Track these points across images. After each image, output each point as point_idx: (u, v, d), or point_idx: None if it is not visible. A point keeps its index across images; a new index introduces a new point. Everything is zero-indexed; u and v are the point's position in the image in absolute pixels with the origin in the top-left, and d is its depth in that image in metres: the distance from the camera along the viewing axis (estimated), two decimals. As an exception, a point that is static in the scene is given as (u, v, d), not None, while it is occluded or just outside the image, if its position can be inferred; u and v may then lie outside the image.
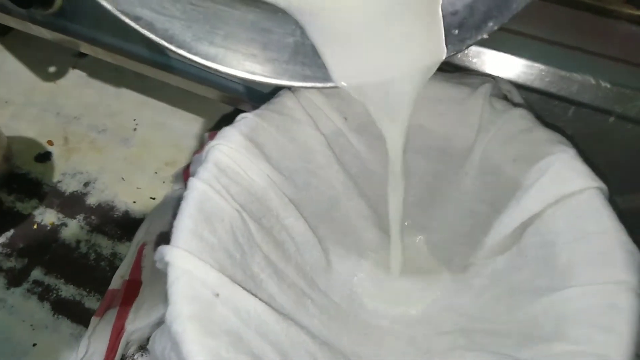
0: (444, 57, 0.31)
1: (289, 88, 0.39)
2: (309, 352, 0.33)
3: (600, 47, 0.45)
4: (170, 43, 0.33)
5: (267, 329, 0.32)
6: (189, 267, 0.30)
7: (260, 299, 0.33)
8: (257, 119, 0.37)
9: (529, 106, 0.42)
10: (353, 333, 0.38)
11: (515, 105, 0.38)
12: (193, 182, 0.34)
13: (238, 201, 0.35)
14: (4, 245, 0.59)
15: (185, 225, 0.32)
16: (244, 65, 0.33)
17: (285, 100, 0.38)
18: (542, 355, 0.30)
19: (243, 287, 0.32)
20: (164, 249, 0.31)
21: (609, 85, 0.45)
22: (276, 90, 0.42)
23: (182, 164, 0.63)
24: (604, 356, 0.28)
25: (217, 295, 0.31)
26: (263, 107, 0.38)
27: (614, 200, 0.34)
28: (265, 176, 0.37)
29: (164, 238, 0.52)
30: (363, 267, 0.43)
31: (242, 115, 0.37)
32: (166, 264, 0.31)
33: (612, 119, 0.45)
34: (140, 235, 0.57)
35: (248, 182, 0.36)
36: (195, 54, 0.33)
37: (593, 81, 0.46)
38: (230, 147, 0.35)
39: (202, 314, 0.30)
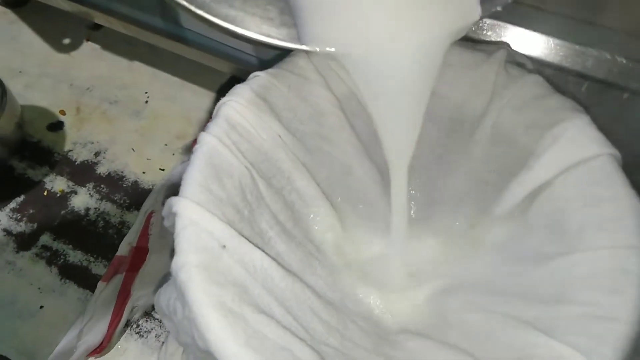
0: (478, 18, 0.30)
1: (306, 52, 0.39)
2: (312, 309, 0.33)
3: (617, 22, 0.45)
4: (191, 4, 0.33)
5: (273, 284, 0.32)
6: (197, 217, 0.30)
7: (266, 254, 0.33)
8: (269, 77, 0.36)
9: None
10: (359, 297, 0.38)
11: (529, 71, 0.37)
12: (203, 136, 0.34)
13: (248, 158, 0.35)
14: (14, 210, 0.59)
15: (194, 177, 0.32)
16: (260, 28, 0.33)
17: (297, 60, 0.38)
18: (548, 317, 0.30)
19: (251, 241, 0.32)
20: (172, 199, 0.31)
21: (624, 61, 0.45)
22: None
23: (192, 136, 0.64)
24: (611, 319, 0.28)
25: (224, 246, 0.31)
26: (276, 66, 0.38)
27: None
28: (276, 136, 0.37)
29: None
30: (374, 233, 0.42)
31: (254, 73, 0.37)
32: (174, 215, 0.31)
33: (626, 94, 0.45)
34: (148, 204, 0.57)
35: (258, 141, 0.36)
36: (214, 15, 0.33)
37: (609, 56, 0.45)
38: (241, 104, 0.35)
39: (209, 264, 0.30)
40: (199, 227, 0.30)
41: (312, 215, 0.39)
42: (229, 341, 0.27)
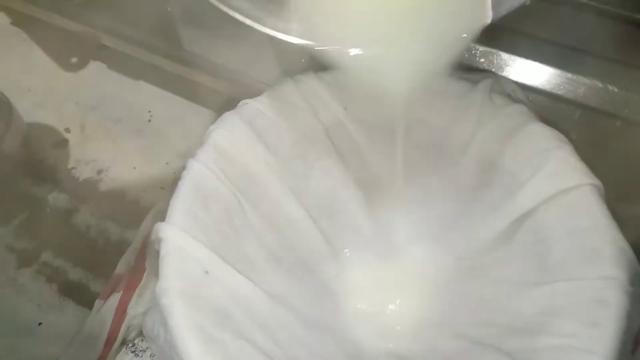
0: (489, 21, 0.28)
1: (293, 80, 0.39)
2: (295, 335, 0.33)
3: (608, 51, 0.45)
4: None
5: (255, 309, 0.33)
6: (181, 243, 0.31)
7: (250, 280, 0.33)
8: (258, 105, 0.37)
9: (533, 106, 0.42)
10: (345, 318, 0.38)
11: (516, 101, 0.38)
12: (191, 162, 0.34)
13: (235, 184, 0.36)
14: (17, 226, 0.60)
15: (180, 203, 0.33)
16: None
17: (285, 88, 0.38)
18: (526, 348, 0.30)
19: (234, 267, 0.33)
20: (158, 225, 0.32)
21: (616, 89, 0.45)
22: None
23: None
24: (588, 351, 0.28)
25: (207, 272, 0.31)
26: (264, 94, 0.38)
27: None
28: (263, 162, 0.38)
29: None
30: (361, 258, 0.43)
31: (243, 101, 0.37)
32: (159, 240, 0.32)
33: (618, 122, 0.45)
34: (147, 223, 0.58)
35: (246, 167, 0.37)
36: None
37: (600, 84, 0.45)
38: (229, 131, 0.36)
39: (191, 290, 0.30)
40: (182, 253, 0.31)
41: (300, 240, 0.40)
42: (207, 367, 0.28)
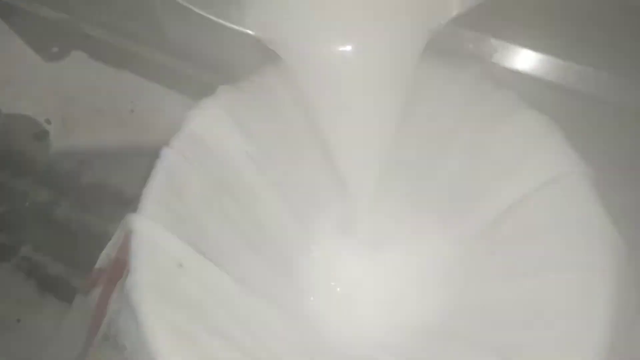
0: (454, 15, 0.29)
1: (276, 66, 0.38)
2: (275, 329, 0.32)
3: (600, 36, 0.44)
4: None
5: (232, 304, 0.31)
6: (153, 235, 0.30)
7: (228, 273, 0.32)
8: (238, 91, 0.36)
9: (522, 93, 0.40)
10: (327, 313, 0.37)
11: (504, 87, 0.37)
12: (165, 151, 0.33)
13: (213, 175, 0.35)
14: (-4, 220, 0.59)
15: (152, 194, 0.31)
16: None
17: (268, 75, 0.37)
18: (515, 342, 0.29)
19: (211, 260, 0.32)
20: (129, 216, 0.31)
21: (607, 75, 0.44)
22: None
23: (177, 147, 0.63)
24: (579, 344, 0.27)
25: (181, 265, 0.30)
26: (245, 79, 0.37)
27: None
28: (243, 152, 0.36)
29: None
30: (345, 255, 0.42)
31: (222, 87, 0.36)
32: (131, 232, 0.30)
33: (610, 109, 0.44)
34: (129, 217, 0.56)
35: (224, 157, 0.36)
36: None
37: (592, 70, 0.44)
38: (207, 118, 0.34)
39: (163, 284, 0.29)
40: (155, 246, 0.30)
41: (280, 233, 0.38)
42: (179, 366, 0.27)
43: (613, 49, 0.44)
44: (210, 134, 0.35)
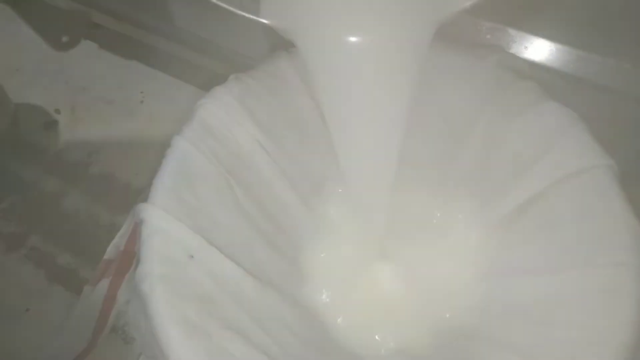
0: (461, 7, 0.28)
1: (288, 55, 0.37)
2: (288, 323, 0.31)
3: (621, 28, 0.42)
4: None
5: (244, 297, 0.30)
6: (164, 225, 0.29)
7: (239, 265, 0.31)
8: (250, 79, 0.35)
9: (542, 84, 0.39)
10: (340, 307, 0.36)
11: (525, 77, 0.35)
12: (176, 139, 0.32)
13: (224, 165, 0.34)
14: (5, 210, 0.59)
15: (163, 183, 0.31)
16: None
17: (279, 63, 0.36)
18: (534, 341, 0.28)
19: (222, 252, 0.31)
20: (139, 206, 0.30)
21: (629, 67, 0.43)
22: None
23: (187, 138, 0.62)
24: (600, 343, 0.26)
25: (192, 257, 0.29)
26: (257, 68, 0.36)
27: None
28: (254, 142, 0.35)
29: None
30: (357, 250, 0.41)
31: (233, 75, 0.35)
32: (141, 222, 0.30)
33: (631, 102, 0.42)
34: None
35: (236, 147, 0.35)
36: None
37: (613, 62, 0.43)
38: (218, 107, 0.34)
39: (174, 275, 0.28)
40: (165, 236, 0.29)
41: (293, 224, 0.37)
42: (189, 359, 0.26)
43: (636, 42, 0.43)
44: (221, 123, 0.34)
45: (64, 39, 0.72)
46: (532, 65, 0.42)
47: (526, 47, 0.44)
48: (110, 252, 0.54)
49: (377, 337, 0.35)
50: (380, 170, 0.33)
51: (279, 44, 0.45)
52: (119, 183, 0.60)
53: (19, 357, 0.51)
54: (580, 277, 0.28)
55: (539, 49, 0.44)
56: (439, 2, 0.28)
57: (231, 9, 0.29)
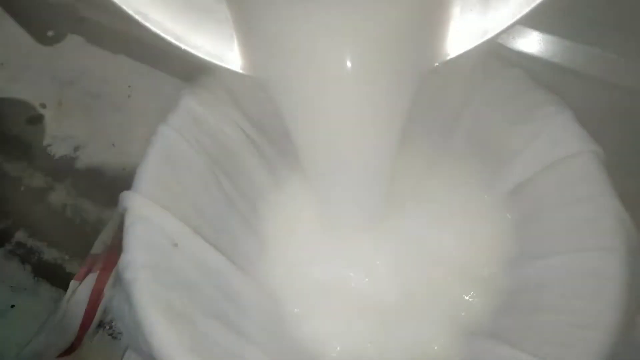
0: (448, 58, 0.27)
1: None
2: (270, 312, 0.31)
3: (609, 18, 0.42)
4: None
5: (227, 285, 0.30)
6: (147, 213, 0.29)
7: (223, 254, 0.31)
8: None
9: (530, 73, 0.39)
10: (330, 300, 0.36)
11: (512, 65, 0.35)
12: (161, 127, 0.32)
13: (210, 154, 0.33)
14: (-10, 205, 0.58)
15: (148, 171, 0.30)
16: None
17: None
18: (520, 326, 0.28)
19: (207, 240, 0.30)
20: (123, 194, 0.30)
21: (616, 57, 0.43)
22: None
23: (174, 132, 0.62)
24: (587, 326, 0.26)
25: (176, 245, 0.29)
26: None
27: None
28: (240, 131, 0.35)
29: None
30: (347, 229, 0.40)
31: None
32: (125, 210, 0.29)
33: (617, 92, 0.42)
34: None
35: (221, 136, 0.34)
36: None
37: (600, 52, 0.43)
38: (204, 95, 0.33)
39: (157, 263, 0.28)
40: (149, 224, 0.29)
41: (278, 212, 0.37)
42: (173, 347, 0.26)
43: (623, 32, 0.43)
44: (206, 111, 0.33)
45: (50, 32, 0.71)
46: (519, 54, 0.42)
47: (513, 36, 0.44)
48: (97, 247, 0.53)
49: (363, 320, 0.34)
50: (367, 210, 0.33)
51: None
52: (105, 178, 0.60)
53: (4, 353, 0.50)
54: (567, 261, 0.28)
55: (526, 39, 0.44)
56: (424, 54, 0.27)
57: (213, 61, 0.28)
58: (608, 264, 0.27)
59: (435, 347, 0.32)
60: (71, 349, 0.49)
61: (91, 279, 0.52)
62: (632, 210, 0.30)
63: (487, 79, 0.35)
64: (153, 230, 0.28)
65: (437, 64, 0.27)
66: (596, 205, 0.29)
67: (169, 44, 0.28)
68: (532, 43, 0.44)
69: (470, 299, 0.33)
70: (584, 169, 0.30)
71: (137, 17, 0.27)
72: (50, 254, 0.55)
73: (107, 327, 0.51)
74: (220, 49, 0.26)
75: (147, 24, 0.26)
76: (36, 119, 0.64)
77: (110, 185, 0.59)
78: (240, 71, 0.27)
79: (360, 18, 0.23)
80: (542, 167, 0.32)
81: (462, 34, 0.25)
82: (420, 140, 0.38)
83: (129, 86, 0.66)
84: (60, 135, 0.62)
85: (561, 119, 0.32)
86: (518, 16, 0.25)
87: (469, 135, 0.36)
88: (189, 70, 0.63)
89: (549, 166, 0.31)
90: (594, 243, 0.28)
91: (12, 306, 0.52)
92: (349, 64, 0.24)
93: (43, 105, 0.65)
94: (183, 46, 0.27)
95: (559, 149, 0.31)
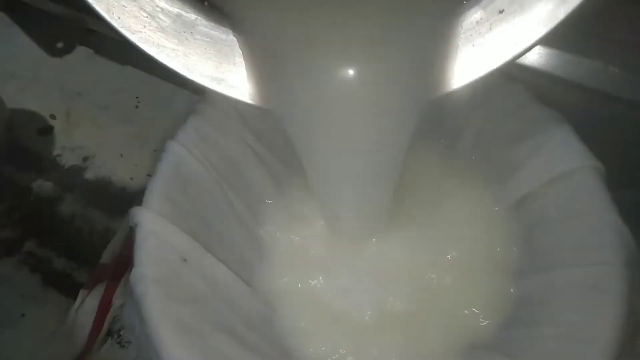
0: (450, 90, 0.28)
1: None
2: (274, 324, 0.32)
3: (610, 31, 0.43)
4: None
5: (236, 300, 0.31)
6: (158, 229, 0.29)
7: (232, 270, 0.31)
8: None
9: (530, 88, 0.40)
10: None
11: (512, 80, 0.36)
12: (170, 144, 0.33)
13: (218, 170, 0.34)
14: (0, 215, 0.59)
15: (157, 187, 0.31)
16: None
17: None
18: (521, 339, 0.29)
19: (215, 256, 0.31)
20: (134, 209, 0.30)
21: (617, 70, 0.43)
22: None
23: (181, 142, 0.63)
24: (586, 340, 0.27)
25: (185, 260, 0.30)
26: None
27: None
28: (247, 147, 0.36)
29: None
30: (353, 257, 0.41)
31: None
32: (135, 225, 0.30)
33: (619, 105, 0.43)
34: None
35: (228, 152, 0.35)
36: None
37: (601, 66, 0.44)
38: (212, 111, 0.34)
39: (167, 278, 0.29)
40: (159, 239, 0.29)
41: (285, 229, 0.38)
42: (184, 361, 0.26)
43: (623, 45, 0.43)
44: (214, 127, 0.34)
45: (59, 44, 0.73)
46: (520, 67, 0.43)
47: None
48: (106, 256, 0.54)
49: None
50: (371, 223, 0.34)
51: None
52: (114, 188, 0.61)
53: (14, 362, 0.51)
54: (567, 275, 0.29)
55: (528, 53, 0.44)
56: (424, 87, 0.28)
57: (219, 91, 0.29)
58: (608, 278, 0.27)
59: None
60: (80, 357, 0.50)
61: (100, 289, 0.53)
62: (632, 223, 0.31)
63: (488, 94, 0.36)
64: (163, 245, 0.29)
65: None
66: (596, 220, 0.29)
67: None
68: (532, 56, 0.45)
69: (473, 312, 0.34)
70: (584, 185, 0.31)
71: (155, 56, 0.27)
72: (59, 264, 0.56)
73: (116, 336, 0.52)
74: (232, 80, 0.27)
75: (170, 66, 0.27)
76: (46, 130, 0.65)
77: (118, 195, 0.60)
78: (251, 102, 0.27)
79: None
80: (543, 182, 0.32)
81: (465, 67, 0.26)
82: (424, 155, 0.38)
83: (137, 97, 0.67)
84: (69, 145, 0.63)
85: (561, 135, 0.33)
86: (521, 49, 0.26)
87: (471, 152, 0.36)
88: (196, 82, 0.65)
89: (549, 181, 0.32)
90: (593, 257, 0.28)
91: (23, 315, 0.53)
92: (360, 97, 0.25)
93: (53, 116, 0.66)
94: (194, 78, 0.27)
95: (559, 165, 0.32)
